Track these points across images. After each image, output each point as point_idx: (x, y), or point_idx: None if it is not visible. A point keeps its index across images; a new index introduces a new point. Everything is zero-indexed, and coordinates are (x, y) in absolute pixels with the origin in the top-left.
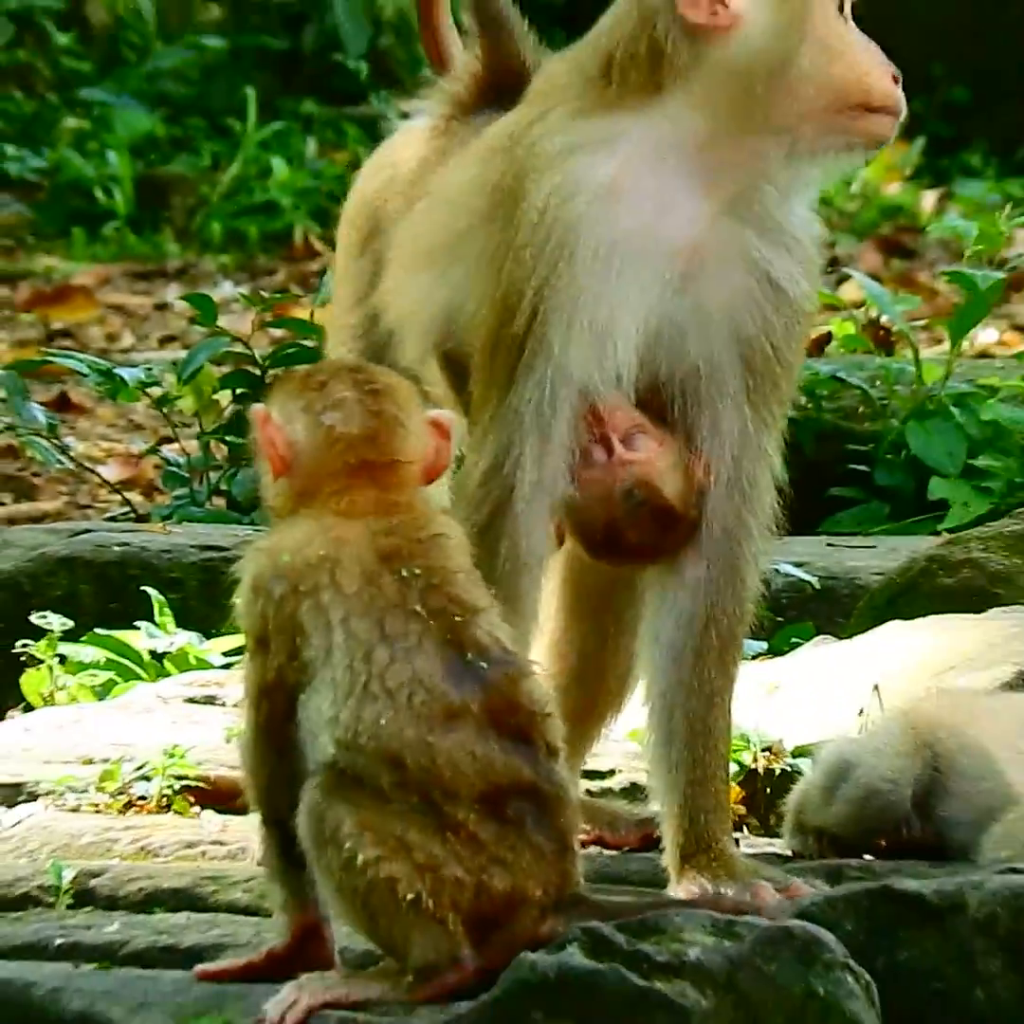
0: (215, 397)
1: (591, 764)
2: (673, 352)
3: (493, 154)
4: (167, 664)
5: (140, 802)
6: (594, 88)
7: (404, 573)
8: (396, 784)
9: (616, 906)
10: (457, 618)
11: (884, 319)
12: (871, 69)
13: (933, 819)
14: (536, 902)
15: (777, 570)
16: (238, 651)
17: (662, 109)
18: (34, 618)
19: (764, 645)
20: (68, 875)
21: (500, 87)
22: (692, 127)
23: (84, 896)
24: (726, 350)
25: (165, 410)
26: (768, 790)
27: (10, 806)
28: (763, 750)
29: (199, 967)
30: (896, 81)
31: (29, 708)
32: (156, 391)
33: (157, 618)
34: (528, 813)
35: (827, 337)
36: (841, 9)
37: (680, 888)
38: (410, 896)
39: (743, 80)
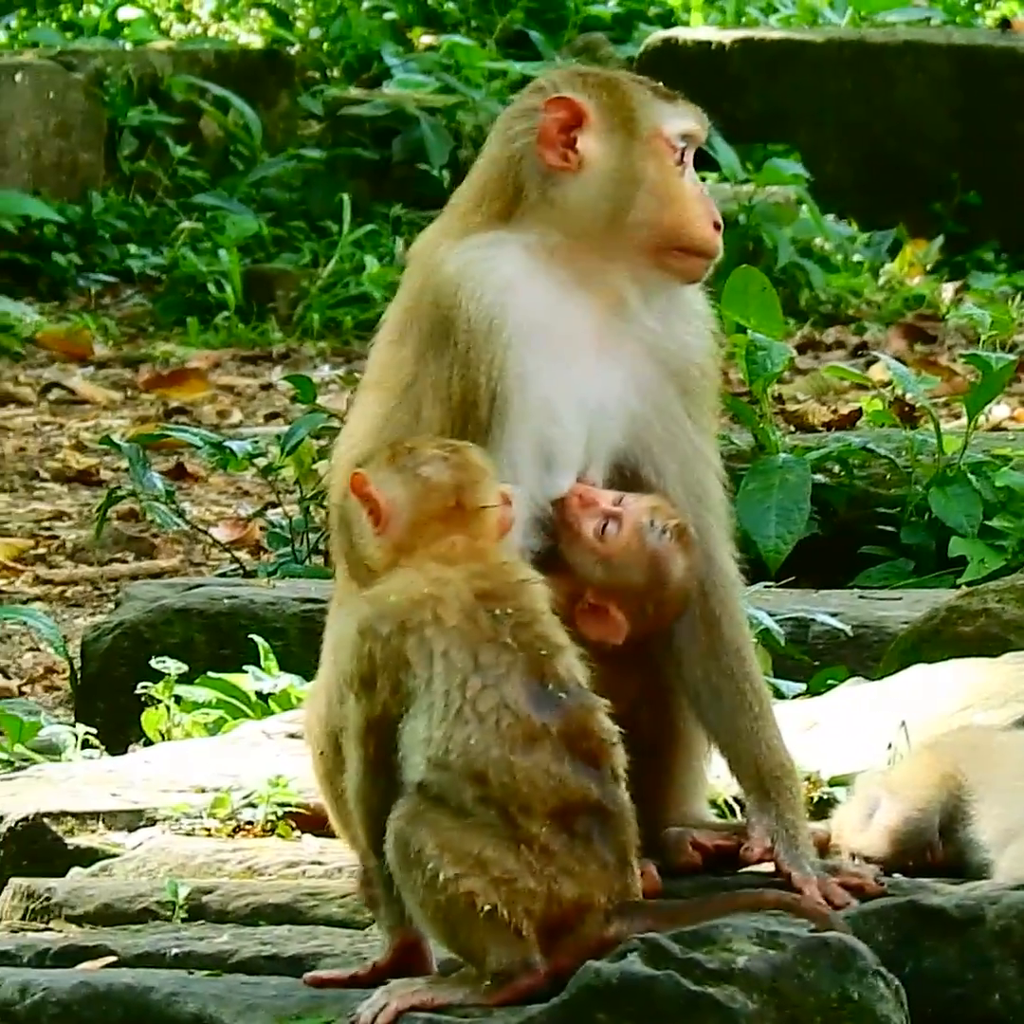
0: (314, 467)
1: None
2: (616, 415)
3: (412, 281)
4: (272, 704)
5: (247, 827)
6: (474, 213)
7: (497, 612)
8: (478, 799)
9: (672, 910)
10: (542, 653)
11: (908, 397)
12: (694, 218)
13: (955, 842)
14: (601, 908)
15: (814, 619)
16: None
17: (528, 226)
18: (153, 663)
19: (803, 686)
20: (183, 892)
21: None
22: (554, 242)
23: (197, 911)
24: (661, 386)
25: (270, 478)
26: (809, 815)
27: (132, 831)
28: (804, 780)
29: (309, 974)
30: (717, 228)
31: (149, 743)
32: (262, 461)
33: (263, 662)
34: (594, 829)
35: (858, 412)
36: (679, 161)
37: (756, 828)
38: (487, 908)
39: (586, 214)
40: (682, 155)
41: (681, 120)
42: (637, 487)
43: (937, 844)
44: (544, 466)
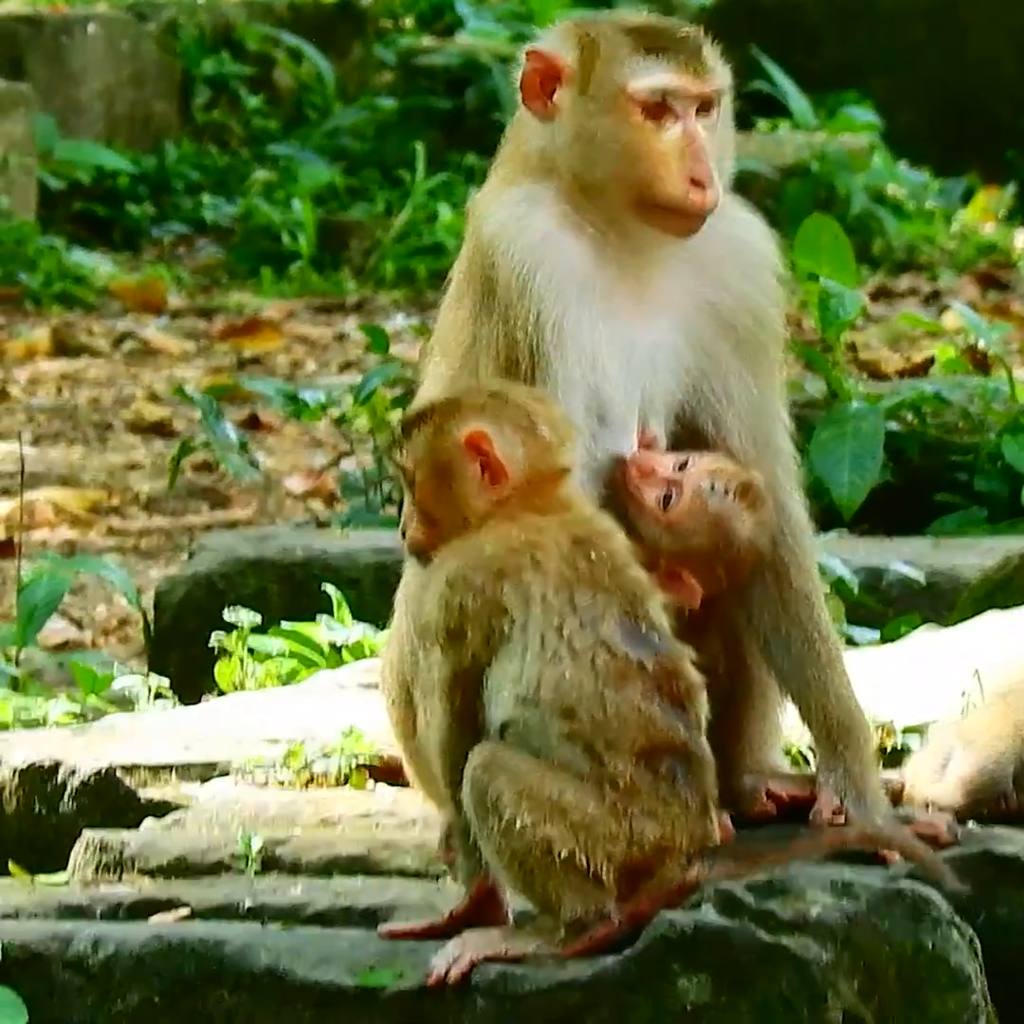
0: (388, 417)
1: None
2: (668, 368)
3: (466, 241)
4: (345, 654)
5: (321, 778)
6: (507, 168)
7: (593, 556)
8: (564, 736)
9: (754, 853)
10: (636, 594)
11: (981, 344)
12: (662, 176)
13: None
14: (682, 851)
15: (887, 568)
16: None
17: (549, 180)
18: (227, 614)
19: (877, 634)
20: (256, 844)
21: None
22: (569, 193)
23: (270, 862)
24: (715, 339)
25: (343, 428)
26: (882, 764)
27: (205, 782)
28: (876, 728)
29: (384, 926)
30: (698, 185)
31: (222, 694)
32: (335, 412)
33: (336, 613)
34: (678, 770)
35: (931, 360)
36: (653, 117)
37: (825, 788)
38: (564, 854)
39: (566, 167)
40: (661, 110)
41: (651, 76)
42: (700, 440)
43: (1011, 793)
44: (597, 420)
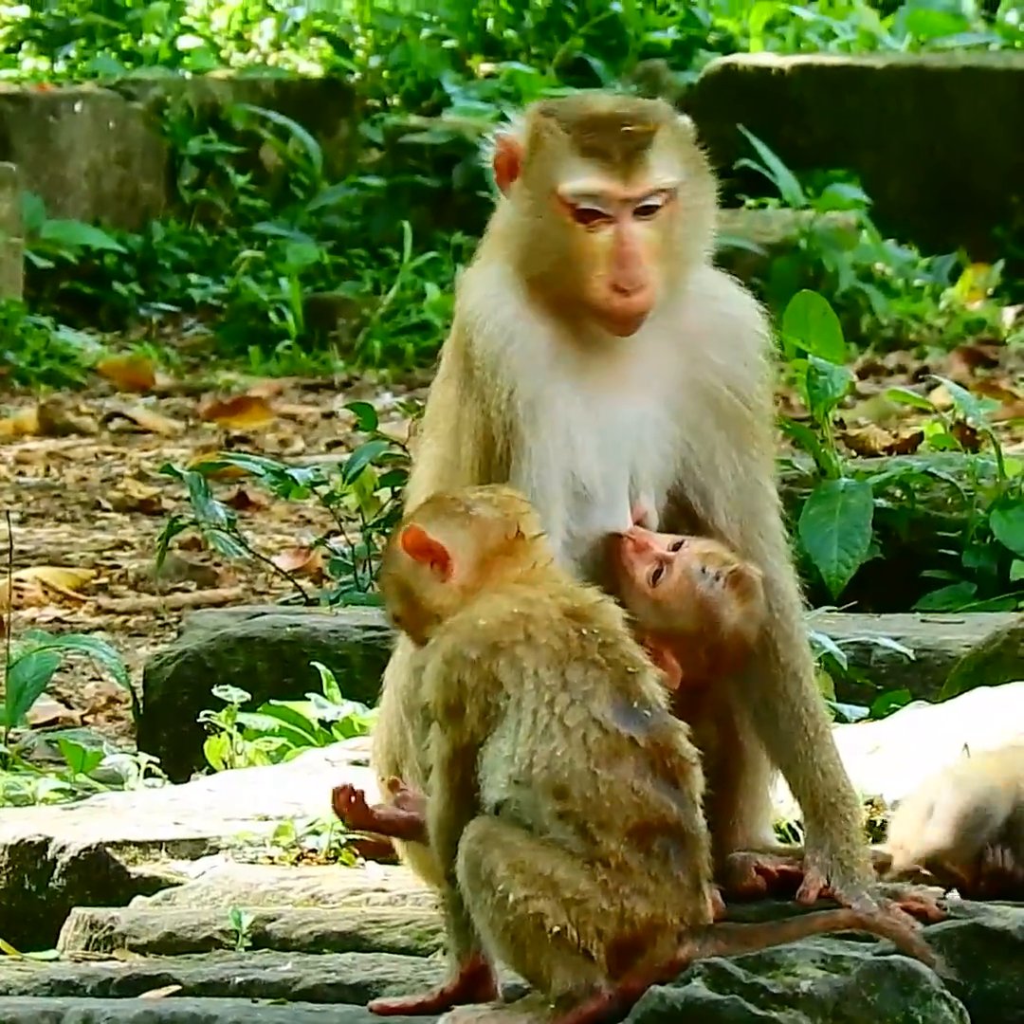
0: (376, 494)
1: None
2: (654, 443)
3: (454, 317)
4: (335, 731)
5: (311, 855)
6: (489, 245)
7: (584, 630)
8: (557, 814)
9: (745, 932)
10: (629, 671)
11: (969, 420)
12: (586, 280)
13: (1016, 855)
14: (674, 929)
15: (877, 643)
16: None
17: (512, 258)
18: (216, 691)
19: (866, 710)
20: (246, 920)
21: None
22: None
23: (261, 939)
24: (699, 414)
25: (332, 506)
26: (872, 840)
27: (195, 859)
28: (866, 804)
29: (375, 1002)
30: (621, 292)
31: (211, 771)
32: (324, 490)
33: (325, 690)
34: (671, 849)
35: (919, 437)
36: (584, 220)
37: (813, 865)
38: (556, 929)
39: (514, 252)
40: (591, 213)
41: (580, 179)
42: (689, 517)
43: (998, 848)
44: (577, 499)
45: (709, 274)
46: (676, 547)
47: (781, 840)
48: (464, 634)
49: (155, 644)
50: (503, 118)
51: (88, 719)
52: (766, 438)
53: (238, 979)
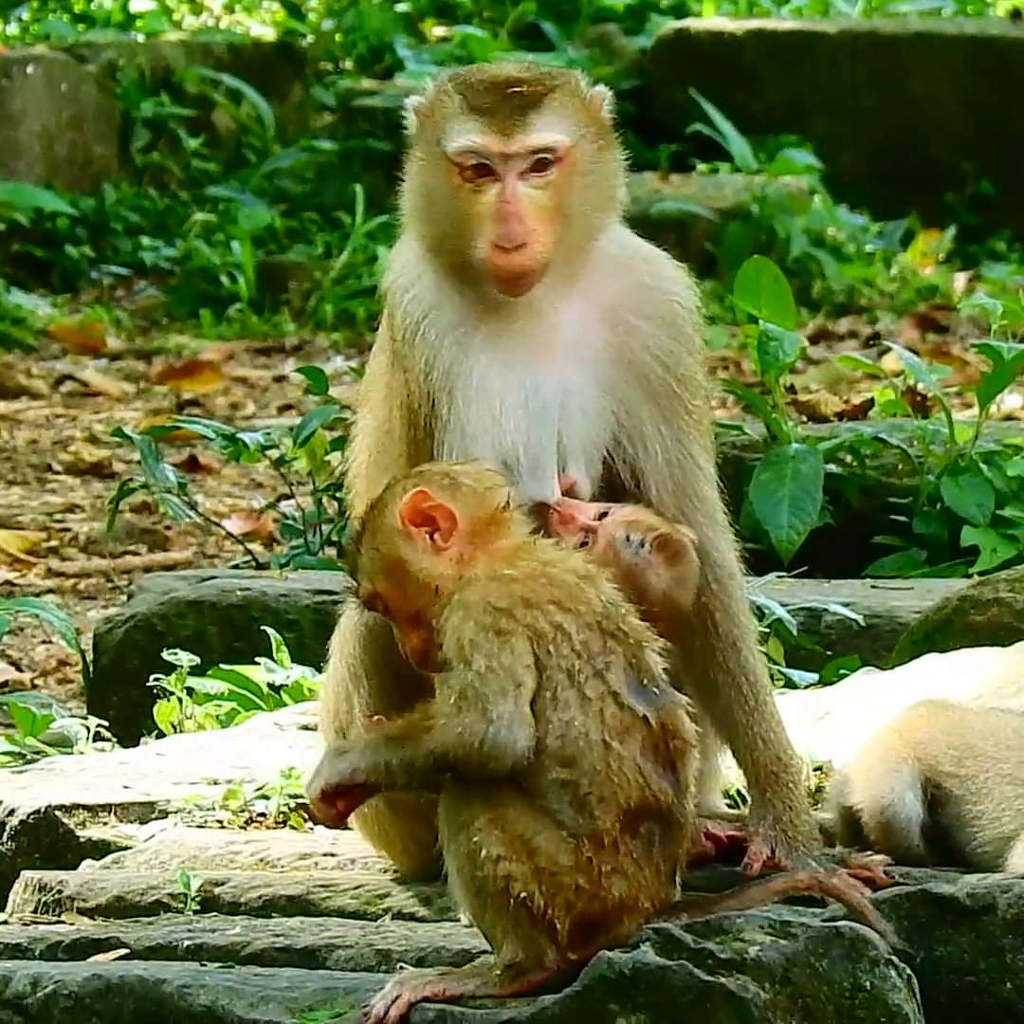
0: (327, 458)
1: None
2: (582, 412)
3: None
4: (284, 695)
5: (259, 819)
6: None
7: (603, 597)
8: (561, 782)
9: (707, 904)
10: (642, 644)
11: (920, 386)
12: (474, 237)
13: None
14: (643, 912)
15: (826, 609)
16: None
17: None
18: (166, 655)
19: (815, 676)
20: (195, 884)
21: None
22: None
23: (209, 903)
24: (627, 385)
25: (282, 470)
26: (819, 805)
27: (144, 823)
28: (815, 769)
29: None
30: (502, 250)
31: (161, 735)
32: (274, 453)
33: (275, 654)
34: (657, 834)
35: (870, 403)
36: (471, 178)
37: (755, 836)
38: (522, 895)
39: (412, 219)
40: (479, 170)
41: (463, 137)
42: (622, 488)
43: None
44: (504, 469)
45: (635, 243)
46: (601, 516)
47: (730, 805)
48: (490, 588)
49: (105, 607)
50: None
51: (38, 682)
52: (698, 410)
53: (187, 943)
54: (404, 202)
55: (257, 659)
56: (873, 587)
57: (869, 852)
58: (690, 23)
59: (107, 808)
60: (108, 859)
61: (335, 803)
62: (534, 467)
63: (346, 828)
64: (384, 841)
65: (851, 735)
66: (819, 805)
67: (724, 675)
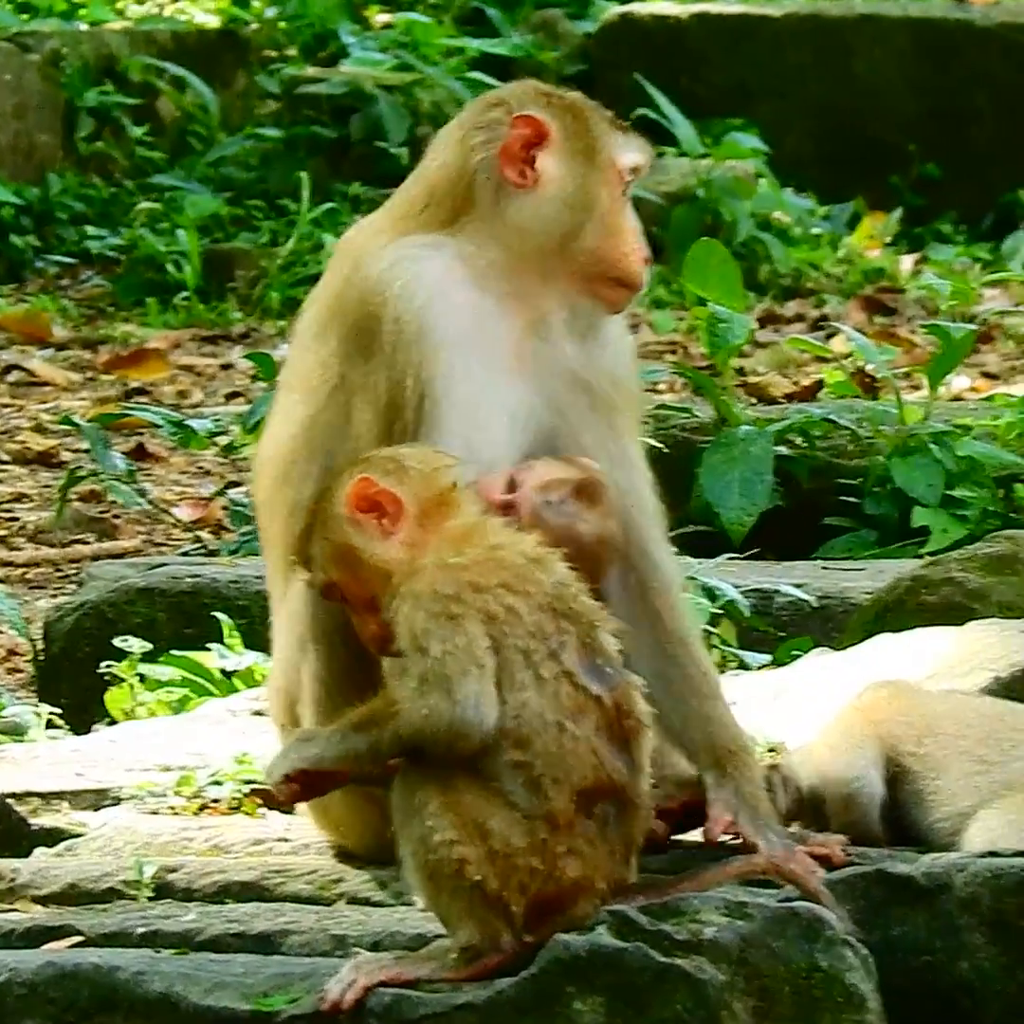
0: None
1: None
2: (536, 420)
3: (337, 275)
4: (236, 681)
5: (213, 805)
6: (415, 215)
7: (553, 578)
8: (514, 763)
9: (663, 886)
10: (595, 624)
11: (869, 368)
12: (631, 251)
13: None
14: (598, 893)
15: (778, 591)
16: None
17: (470, 235)
18: (117, 642)
19: (768, 657)
20: (149, 870)
21: None
22: (494, 255)
23: (163, 889)
24: (570, 398)
25: (231, 457)
26: (772, 786)
27: (97, 809)
28: (768, 750)
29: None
30: (646, 263)
31: (113, 722)
32: (223, 440)
33: (226, 640)
34: (611, 815)
35: (819, 384)
36: (624, 192)
37: (715, 804)
38: (476, 878)
39: (536, 233)
40: (626, 188)
41: (633, 153)
42: None
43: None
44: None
45: None
46: (512, 488)
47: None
48: (437, 576)
49: (55, 596)
50: (403, 67)
51: None
52: (637, 421)
53: (141, 929)
54: (402, 200)
55: (209, 645)
56: (824, 568)
57: (827, 832)
58: (635, 7)
59: (60, 795)
60: (61, 846)
61: (298, 789)
62: (491, 470)
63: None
64: (333, 822)
65: (805, 716)
66: (772, 786)
67: (675, 669)
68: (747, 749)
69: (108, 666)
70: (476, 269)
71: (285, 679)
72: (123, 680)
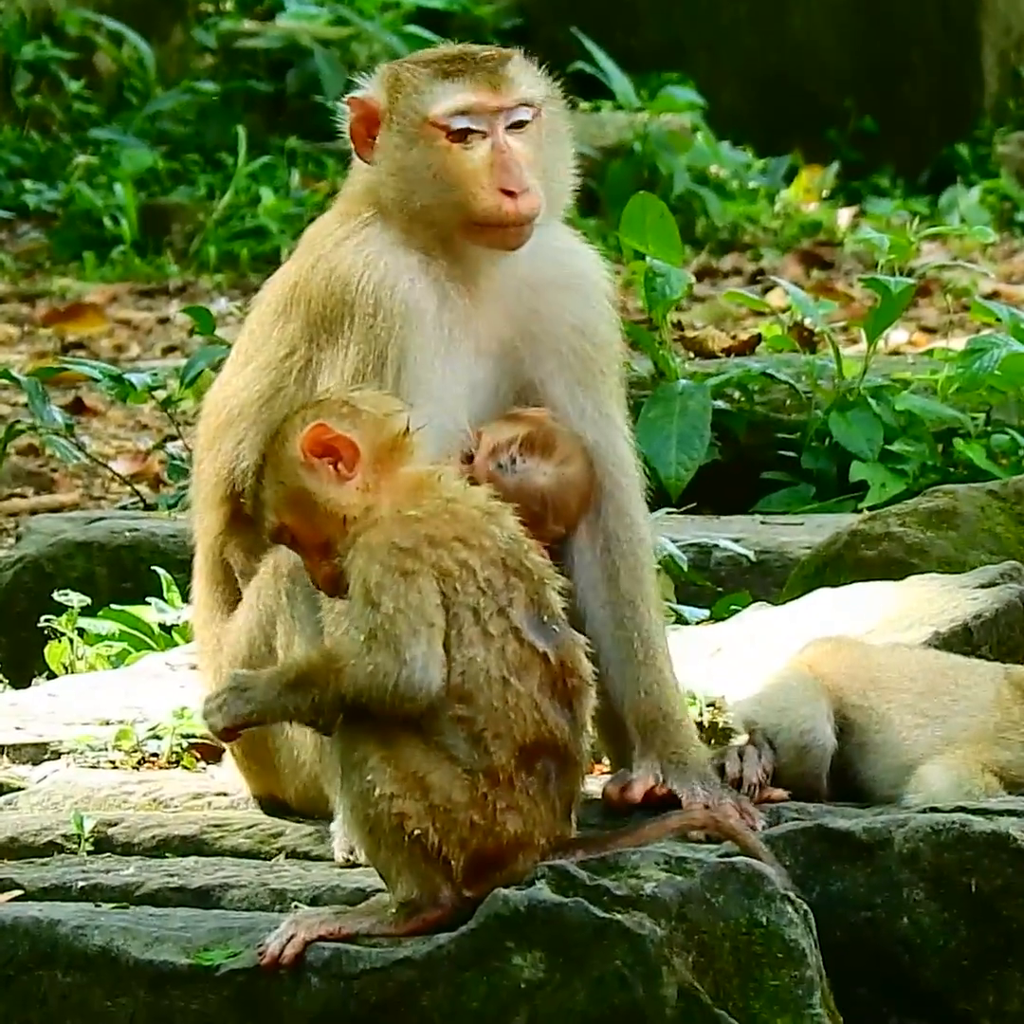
0: None
1: None
2: (498, 385)
3: (303, 260)
4: (175, 635)
5: (152, 759)
6: (358, 202)
7: (505, 533)
8: (457, 718)
9: (602, 841)
10: (543, 580)
11: (807, 322)
12: (475, 193)
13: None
14: (538, 849)
15: (716, 545)
16: None
17: (387, 218)
18: (56, 596)
19: (707, 612)
20: (88, 825)
21: None
22: (404, 233)
23: (103, 843)
24: (535, 365)
25: (169, 411)
26: (712, 741)
27: (36, 764)
28: (708, 705)
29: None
30: (510, 195)
31: (52, 676)
32: (161, 394)
33: (165, 594)
34: (552, 771)
35: (757, 338)
36: (459, 138)
37: (639, 768)
38: (415, 832)
39: (392, 203)
40: (465, 131)
41: (449, 99)
42: None
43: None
44: (436, 448)
45: (558, 227)
46: (469, 459)
47: None
48: (394, 529)
49: None
50: (340, 21)
51: None
52: (616, 379)
53: (81, 883)
54: (353, 193)
55: (147, 599)
56: (763, 523)
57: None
58: None
59: None
60: (0, 800)
61: (236, 735)
62: (454, 447)
63: None
64: (270, 774)
65: (744, 671)
66: (713, 741)
67: (620, 630)
68: (672, 717)
69: (47, 620)
70: (410, 247)
71: (251, 646)
72: (62, 634)
